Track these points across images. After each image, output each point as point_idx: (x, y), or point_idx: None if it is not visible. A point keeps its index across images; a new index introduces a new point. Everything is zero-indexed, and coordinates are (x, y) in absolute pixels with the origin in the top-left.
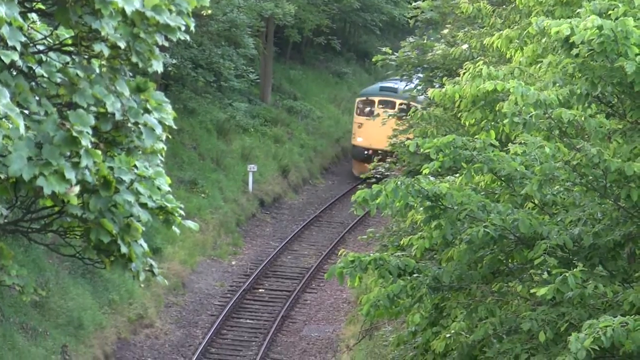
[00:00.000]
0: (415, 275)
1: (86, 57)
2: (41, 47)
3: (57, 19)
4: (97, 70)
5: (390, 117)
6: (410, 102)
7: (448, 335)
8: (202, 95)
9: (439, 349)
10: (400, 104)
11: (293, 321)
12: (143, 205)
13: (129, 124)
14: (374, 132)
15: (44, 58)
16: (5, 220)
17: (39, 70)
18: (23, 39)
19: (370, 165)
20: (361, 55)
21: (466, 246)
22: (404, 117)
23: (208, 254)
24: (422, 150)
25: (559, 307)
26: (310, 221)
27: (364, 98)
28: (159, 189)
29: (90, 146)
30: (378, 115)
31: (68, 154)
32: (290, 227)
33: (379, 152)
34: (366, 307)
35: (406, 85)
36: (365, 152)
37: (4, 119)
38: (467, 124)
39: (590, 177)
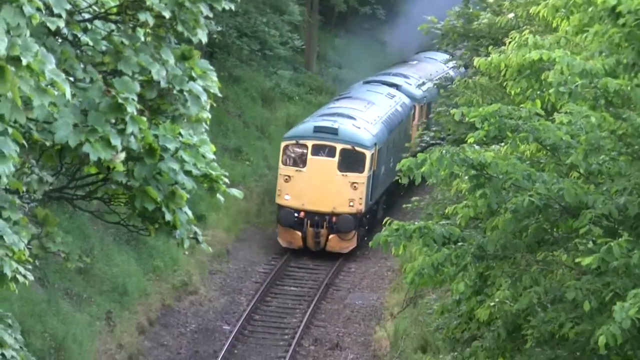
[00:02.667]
0: (459, 243)
1: (131, 25)
2: (86, 16)
3: None
4: (142, 39)
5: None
6: (357, 147)
7: (492, 304)
8: (247, 63)
9: (483, 317)
10: (342, 150)
11: (337, 289)
12: (188, 173)
13: (174, 92)
14: (305, 187)
15: (89, 26)
16: (51, 188)
17: (84, 38)
18: (68, 6)
19: None
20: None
21: (511, 215)
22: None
23: (252, 221)
24: (467, 119)
25: (603, 277)
26: None
27: (293, 142)
28: (203, 156)
29: (135, 113)
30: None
31: (113, 120)
32: None
33: (315, 215)
34: (410, 275)
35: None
36: (296, 216)
37: (49, 86)
38: (512, 93)
39: (636, 147)
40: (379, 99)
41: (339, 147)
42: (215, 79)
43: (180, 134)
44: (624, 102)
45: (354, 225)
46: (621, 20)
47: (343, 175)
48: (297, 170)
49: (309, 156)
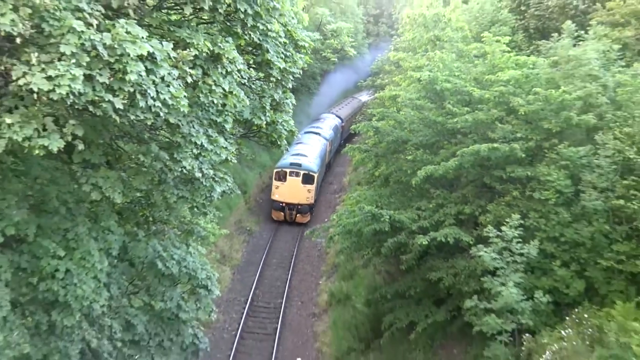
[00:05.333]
0: (370, 151)
1: (266, 82)
2: (254, 79)
3: (258, 70)
4: (271, 86)
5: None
6: (310, 172)
7: (380, 170)
8: (303, 94)
9: (377, 174)
10: (304, 174)
11: (330, 169)
12: (284, 129)
13: (281, 102)
14: (286, 191)
15: (254, 83)
16: (241, 132)
17: (253, 86)
18: (247, 76)
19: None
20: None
21: (386, 143)
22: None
23: None
24: (372, 112)
25: (416, 162)
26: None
27: (279, 169)
28: (289, 123)
29: (269, 108)
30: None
31: (262, 111)
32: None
33: (290, 205)
34: (355, 160)
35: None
36: (281, 205)
37: (240, 101)
38: (387, 105)
39: (427, 121)
40: (314, 142)
41: (302, 172)
42: (293, 99)
43: (283, 116)
44: (422, 107)
45: (309, 210)
46: (421, 82)
47: (304, 186)
48: (281, 183)
49: (288, 176)
